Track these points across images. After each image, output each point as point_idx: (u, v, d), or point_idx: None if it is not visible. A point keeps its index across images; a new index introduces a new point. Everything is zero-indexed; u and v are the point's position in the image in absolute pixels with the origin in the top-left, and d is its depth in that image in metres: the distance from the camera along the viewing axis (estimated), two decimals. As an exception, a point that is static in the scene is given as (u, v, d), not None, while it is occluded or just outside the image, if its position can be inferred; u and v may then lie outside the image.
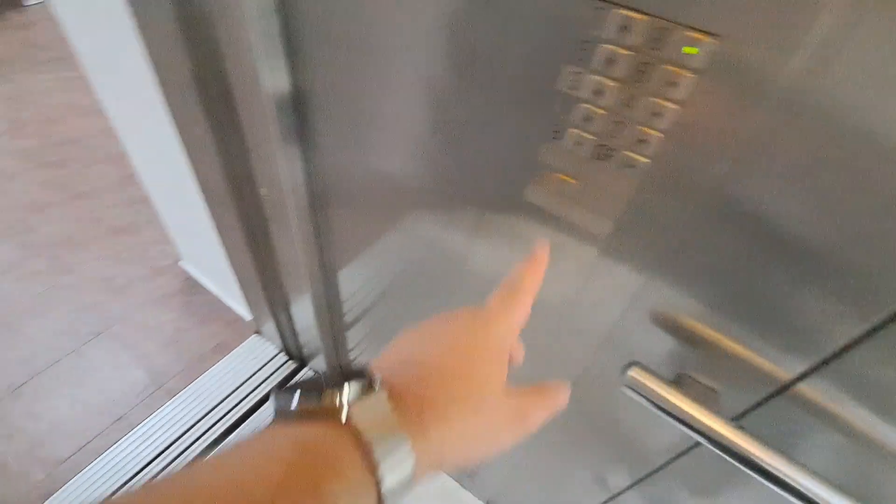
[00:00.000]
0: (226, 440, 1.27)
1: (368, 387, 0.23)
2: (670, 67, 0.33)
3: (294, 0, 0.55)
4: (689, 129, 0.35)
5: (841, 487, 0.38)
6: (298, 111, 0.68)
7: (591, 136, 0.40)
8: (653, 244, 0.43)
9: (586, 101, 0.39)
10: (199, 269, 1.58)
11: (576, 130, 0.41)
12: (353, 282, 0.96)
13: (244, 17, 0.57)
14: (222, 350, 1.43)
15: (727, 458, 0.45)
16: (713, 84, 0.33)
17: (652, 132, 0.37)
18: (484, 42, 0.42)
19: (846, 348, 0.37)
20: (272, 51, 0.60)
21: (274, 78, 0.63)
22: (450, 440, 0.24)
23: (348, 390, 0.22)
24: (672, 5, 0.31)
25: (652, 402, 0.48)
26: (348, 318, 1.09)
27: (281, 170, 0.74)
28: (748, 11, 0.29)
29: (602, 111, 0.39)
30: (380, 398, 0.23)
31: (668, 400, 0.47)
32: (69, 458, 1.22)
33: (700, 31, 0.31)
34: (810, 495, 0.39)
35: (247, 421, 1.31)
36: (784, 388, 0.45)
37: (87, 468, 1.18)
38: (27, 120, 2.39)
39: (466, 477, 1.15)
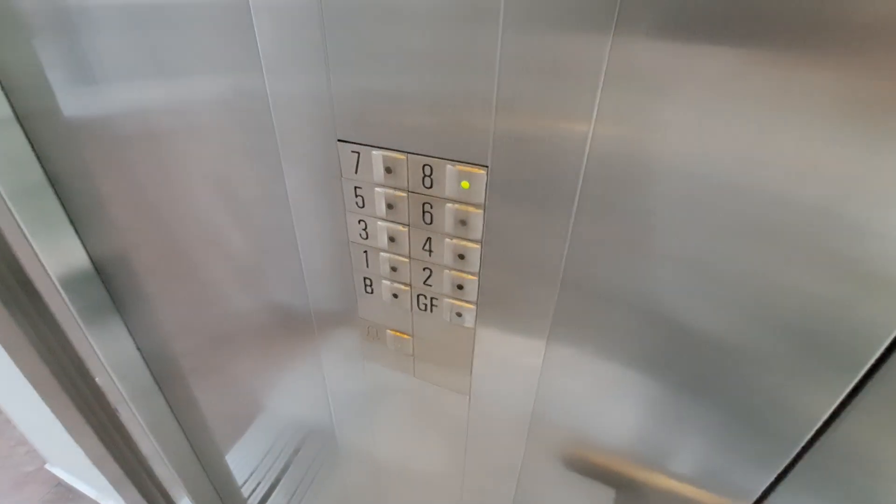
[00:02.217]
0: None
1: None
2: (455, 205, 0.27)
3: (68, 178, 0.47)
4: (501, 265, 0.28)
5: None
6: (107, 282, 0.57)
7: (404, 287, 0.33)
8: (525, 387, 0.35)
9: (385, 251, 0.31)
10: (69, 470, 1.29)
11: (387, 282, 0.33)
12: (245, 464, 0.79)
13: (4, 200, 0.47)
14: (104, 572, 1.13)
15: None
16: (503, 215, 0.26)
17: (465, 275, 0.30)
18: (262, 196, 0.35)
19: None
20: (50, 226, 0.51)
21: (60, 253, 0.53)
22: None
23: None
24: (430, 141, 0.25)
25: None
26: (254, 501, 0.89)
27: (99, 352, 0.61)
28: (510, 140, 0.23)
29: (404, 259, 0.31)
30: None
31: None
32: None
33: (467, 163, 0.25)
34: None
35: None
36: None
37: None
38: None
39: None
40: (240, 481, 0.86)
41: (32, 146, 0.47)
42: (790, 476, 0.29)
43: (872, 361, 0.22)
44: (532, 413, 0.36)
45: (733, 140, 0.20)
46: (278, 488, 0.81)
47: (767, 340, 0.25)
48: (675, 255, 0.24)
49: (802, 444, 0.27)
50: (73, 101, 0.40)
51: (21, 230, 0.51)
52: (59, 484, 1.34)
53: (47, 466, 1.35)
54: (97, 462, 0.96)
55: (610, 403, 0.33)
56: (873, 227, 0.20)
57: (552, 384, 0.33)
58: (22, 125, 0.46)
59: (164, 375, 0.67)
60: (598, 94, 0.21)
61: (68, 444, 1.05)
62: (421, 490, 0.50)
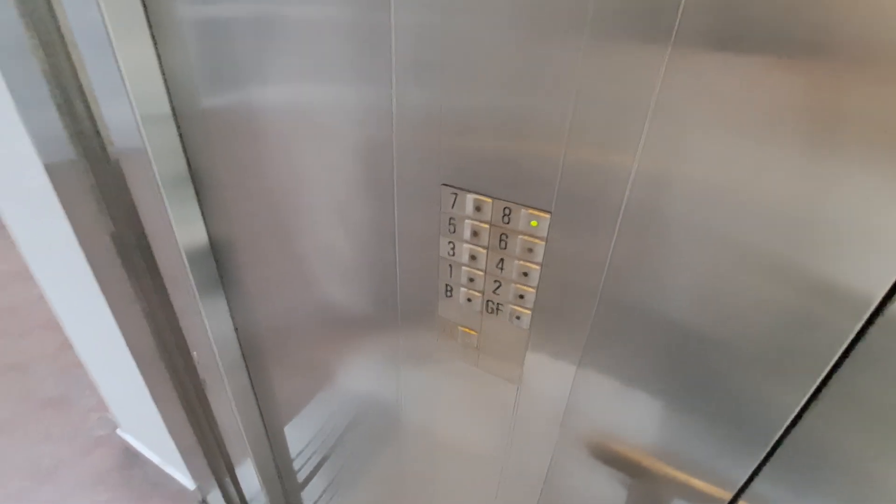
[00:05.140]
0: None
1: None
2: (525, 237, 0.37)
3: (204, 167, 0.59)
4: (554, 283, 0.38)
5: None
6: (219, 262, 0.69)
7: (477, 294, 0.43)
8: (563, 381, 0.44)
9: (466, 265, 0.42)
10: (139, 437, 1.45)
11: (464, 289, 0.44)
12: (300, 437, 0.91)
13: (158, 184, 0.60)
14: (163, 531, 1.27)
15: None
16: (560, 246, 0.36)
17: (526, 288, 0.40)
18: (374, 214, 0.46)
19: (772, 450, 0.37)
20: (186, 208, 0.63)
21: (188, 232, 0.65)
22: None
23: None
24: (511, 190, 0.36)
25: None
26: (301, 477, 1.00)
27: (207, 323, 0.74)
28: (569, 194, 0.34)
29: (480, 273, 0.42)
30: None
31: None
32: None
33: (537, 209, 0.35)
34: None
35: None
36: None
37: None
38: (-36, 293, 2.31)
39: None
40: (293, 453, 0.97)
41: (182, 140, 0.59)
42: (769, 465, 0.37)
43: (832, 363, 0.31)
44: (567, 404, 0.46)
45: (755, 171, 0.27)
46: (329, 461, 0.91)
47: (753, 344, 0.33)
48: (689, 273, 0.33)
49: (777, 436, 0.35)
50: (217, 102, 0.51)
51: (167, 212, 0.63)
52: (127, 449, 1.50)
53: (118, 432, 1.52)
54: (173, 429, 1.10)
55: (629, 400, 0.42)
56: (840, 251, 0.28)
57: (584, 381, 0.43)
58: (177, 122, 0.58)
59: (252, 351, 0.79)
60: (644, 132, 0.30)
61: (144, 411, 1.20)
62: (468, 465, 0.60)
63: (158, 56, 0.52)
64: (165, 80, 0.54)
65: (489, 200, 0.37)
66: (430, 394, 0.56)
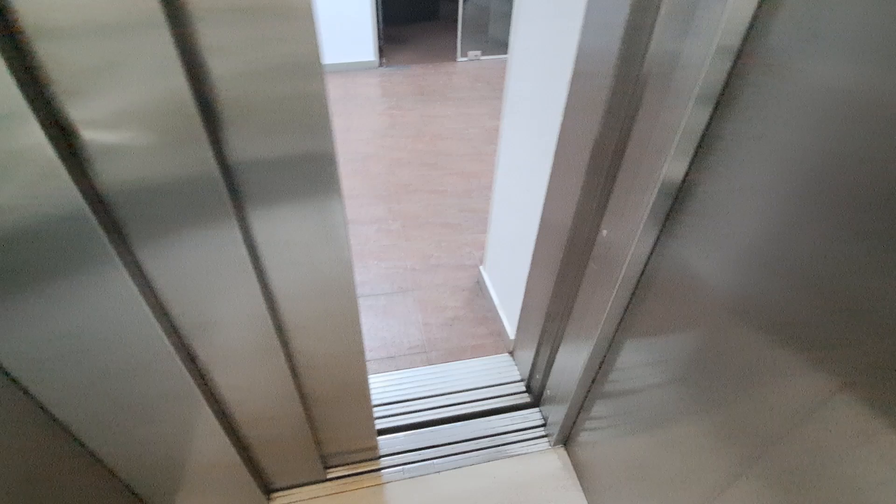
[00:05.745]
0: (445, 426, 1.43)
1: None
2: None
3: (733, 106, 0.60)
4: None
5: None
6: (676, 200, 0.73)
7: None
8: None
9: None
10: (492, 278, 1.83)
11: None
12: (632, 357, 0.96)
13: (678, 113, 0.65)
14: (477, 351, 1.62)
15: None
16: None
17: None
18: None
19: None
20: (684, 147, 0.67)
21: (672, 169, 0.70)
22: None
23: None
24: None
25: None
26: (608, 388, 1.08)
27: (634, 240, 0.81)
28: None
29: None
30: None
31: None
32: (353, 365, 1.61)
33: None
34: None
35: (469, 421, 1.44)
36: None
37: (360, 380, 1.52)
38: (426, 132, 3.28)
39: None
40: (617, 366, 1.03)
41: (727, 78, 0.61)
42: None
43: None
44: None
45: None
46: (630, 396, 0.93)
47: None
48: None
49: None
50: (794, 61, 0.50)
51: (677, 133, 0.66)
52: (479, 282, 1.93)
53: (480, 267, 1.95)
54: (532, 287, 1.33)
55: None
56: None
57: None
58: (732, 60, 0.59)
59: (653, 267, 0.84)
60: None
61: (510, 263, 1.47)
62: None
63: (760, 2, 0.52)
64: (750, 21, 0.55)
65: None
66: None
